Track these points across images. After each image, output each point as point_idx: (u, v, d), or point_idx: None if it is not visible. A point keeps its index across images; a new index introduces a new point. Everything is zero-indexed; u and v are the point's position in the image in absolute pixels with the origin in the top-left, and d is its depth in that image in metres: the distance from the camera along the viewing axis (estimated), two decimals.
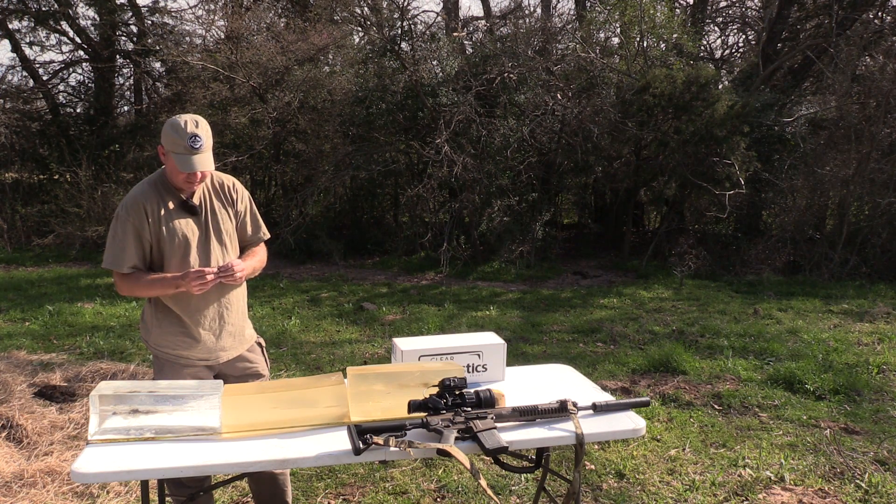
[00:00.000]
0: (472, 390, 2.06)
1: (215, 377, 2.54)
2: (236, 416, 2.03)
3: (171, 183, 2.42)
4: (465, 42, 11.25)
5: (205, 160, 2.33)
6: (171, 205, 2.41)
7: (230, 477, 2.55)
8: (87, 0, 12.71)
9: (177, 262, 2.41)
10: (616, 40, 11.61)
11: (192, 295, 2.42)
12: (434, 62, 10.27)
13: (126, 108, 14.53)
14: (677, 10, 12.51)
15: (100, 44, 12.95)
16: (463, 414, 1.98)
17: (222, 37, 12.04)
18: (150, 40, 12.72)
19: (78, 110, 13.86)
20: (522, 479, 3.34)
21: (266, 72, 10.41)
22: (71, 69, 13.68)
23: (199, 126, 2.31)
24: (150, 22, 13.21)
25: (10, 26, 12.48)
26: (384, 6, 12.02)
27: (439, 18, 12.64)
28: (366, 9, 12.62)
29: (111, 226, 2.40)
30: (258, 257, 2.64)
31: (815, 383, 4.59)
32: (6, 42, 12.60)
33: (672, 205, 10.79)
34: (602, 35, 11.74)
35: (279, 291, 8.08)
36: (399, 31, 10.33)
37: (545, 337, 6.08)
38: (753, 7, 13.86)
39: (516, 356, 5.34)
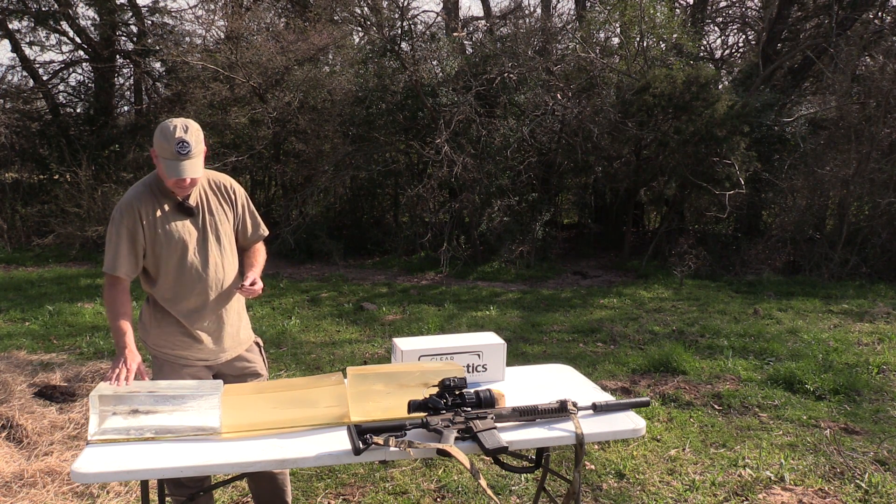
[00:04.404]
0: (472, 390, 2.06)
1: (214, 377, 2.54)
2: (236, 416, 2.03)
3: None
4: (465, 42, 11.25)
5: (193, 166, 2.28)
6: (166, 207, 2.40)
7: (230, 477, 2.55)
8: (87, 0, 12.71)
9: (174, 264, 2.40)
10: (616, 40, 11.61)
11: (189, 297, 2.43)
12: (434, 62, 10.27)
13: (126, 108, 14.52)
14: (677, 10, 12.50)
15: (100, 44, 12.94)
16: (463, 414, 1.98)
17: (222, 37, 12.03)
18: (150, 40, 12.72)
19: (78, 110, 13.85)
20: (522, 479, 3.34)
21: (266, 72, 10.41)
22: (71, 69, 13.68)
23: (188, 131, 2.26)
24: (150, 22, 13.21)
25: (10, 26, 12.47)
26: (384, 6, 12.02)
27: (439, 18, 12.63)
28: (366, 9, 12.62)
29: (108, 229, 2.40)
30: (262, 259, 2.65)
31: (815, 383, 4.59)
32: (6, 42, 12.60)
33: (672, 205, 10.78)
34: (602, 35, 11.73)
35: (279, 291, 8.08)
36: (399, 31, 10.33)
37: (545, 337, 6.08)
38: (753, 7, 13.86)
39: (516, 356, 5.34)
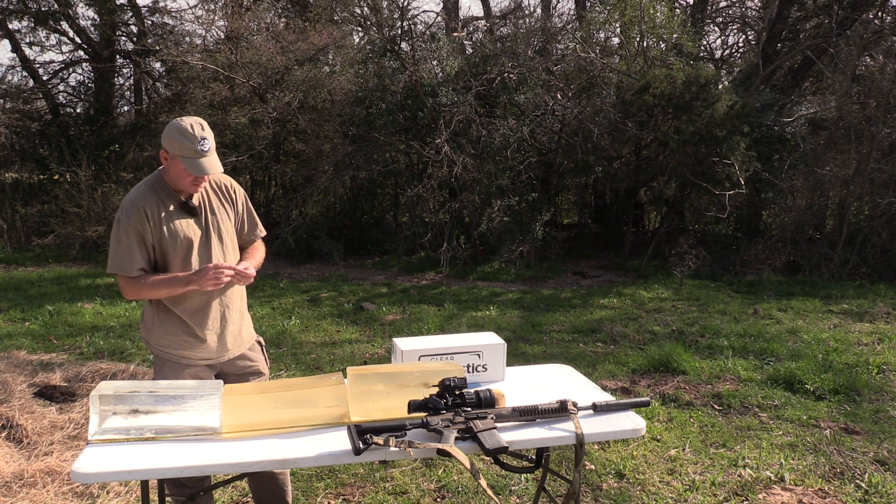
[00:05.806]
0: (472, 390, 2.06)
1: (216, 376, 2.55)
2: (236, 416, 2.03)
3: (171, 185, 2.42)
4: (465, 42, 11.25)
5: (214, 162, 2.36)
6: (170, 207, 2.42)
7: (230, 477, 2.55)
8: (87, 0, 12.71)
9: (179, 263, 2.42)
10: (616, 40, 11.61)
11: (193, 296, 2.43)
12: (434, 62, 10.27)
13: (126, 108, 14.54)
14: (677, 10, 12.50)
15: (100, 44, 12.95)
16: (463, 414, 1.98)
17: (222, 37, 12.04)
18: (150, 40, 12.73)
19: (78, 110, 13.86)
20: (522, 479, 3.34)
21: (266, 72, 10.41)
22: (71, 69, 13.69)
23: (204, 129, 2.33)
24: (150, 22, 13.22)
25: (10, 26, 12.48)
26: (384, 6, 12.01)
27: (439, 18, 12.64)
28: (366, 9, 12.61)
29: (113, 231, 2.40)
30: (259, 254, 2.67)
31: (815, 383, 4.59)
32: (6, 42, 12.62)
33: (672, 205, 10.78)
34: (602, 35, 11.73)
35: (279, 291, 8.08)
36: (399, 31, 10.34)
37: (545, 337, 6.08)
38: (753, 7, 13.86)
39: (516, 356, 5.34)
